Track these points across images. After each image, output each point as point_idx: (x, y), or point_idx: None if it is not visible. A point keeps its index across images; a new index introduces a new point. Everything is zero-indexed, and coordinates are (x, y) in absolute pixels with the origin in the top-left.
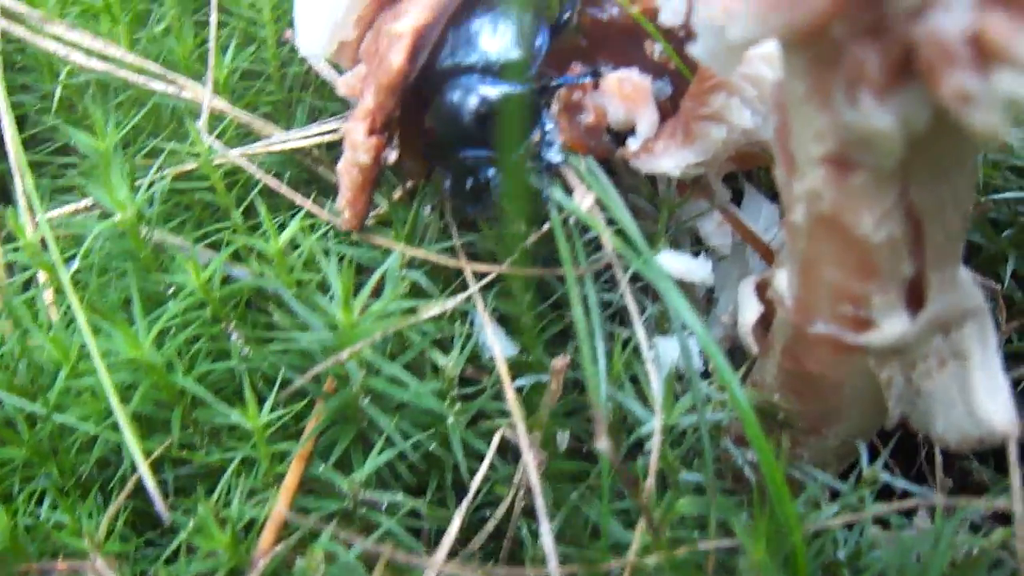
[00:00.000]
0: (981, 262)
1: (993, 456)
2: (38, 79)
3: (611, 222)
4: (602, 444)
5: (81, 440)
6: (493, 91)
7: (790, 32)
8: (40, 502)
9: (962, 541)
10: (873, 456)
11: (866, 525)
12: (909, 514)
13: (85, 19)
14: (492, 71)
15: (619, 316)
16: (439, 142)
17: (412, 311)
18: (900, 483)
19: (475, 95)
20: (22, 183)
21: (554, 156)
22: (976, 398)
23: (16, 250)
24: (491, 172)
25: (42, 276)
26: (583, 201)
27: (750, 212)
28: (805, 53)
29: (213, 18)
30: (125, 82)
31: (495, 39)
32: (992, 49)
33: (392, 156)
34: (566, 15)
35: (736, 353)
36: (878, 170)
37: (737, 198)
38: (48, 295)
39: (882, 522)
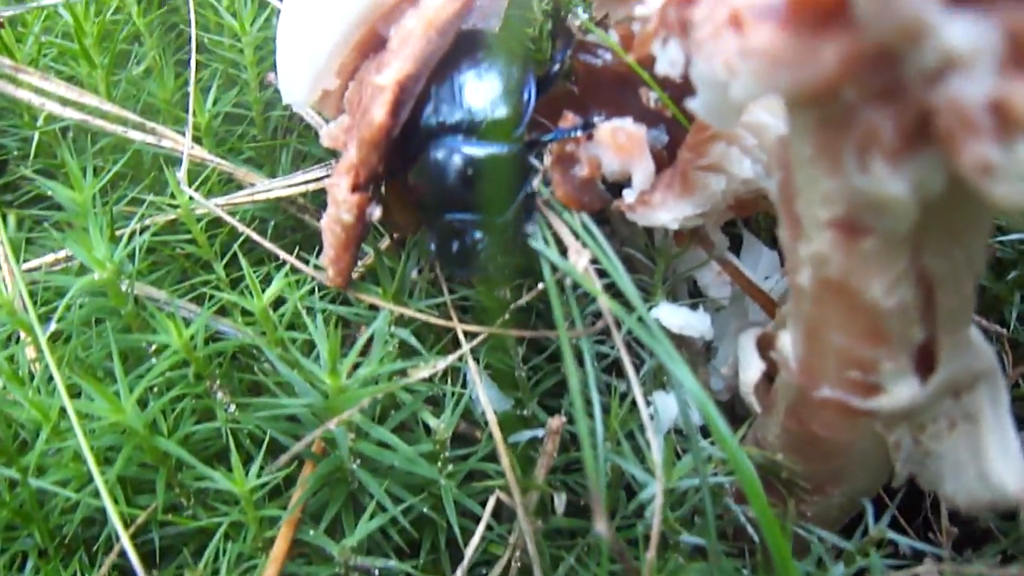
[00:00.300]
0: (985, 304)
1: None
2: (16, 123)
3: (603, 273)
4: (601, 527)
5: (64, 502)
6: (478, 152)
7: (796, 92)
8: (22, 566)
9: None
10: (878, 508)
11: None
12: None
13: (63, 60)
14: (477, 131)
15: (615, 368)
16: (424, 203)
17: (402, 373)
18: (906, 542)
19: (459, 157)
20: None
21: (529, 228)
22: (988, 461)
23: None
24: (478, 235)
25: (22, 334)
26: (578, 260)
27: (748, 259)
28: (812, 113)
29: (193, 62)
30: (89, 128)
31: (480, 94)
32: (1016, 118)
33: (377, 213)
34: (556, 66)
35: (736, 405)
36: (889, 235)
37: (734, 243)
38: (30, 351)
39: None
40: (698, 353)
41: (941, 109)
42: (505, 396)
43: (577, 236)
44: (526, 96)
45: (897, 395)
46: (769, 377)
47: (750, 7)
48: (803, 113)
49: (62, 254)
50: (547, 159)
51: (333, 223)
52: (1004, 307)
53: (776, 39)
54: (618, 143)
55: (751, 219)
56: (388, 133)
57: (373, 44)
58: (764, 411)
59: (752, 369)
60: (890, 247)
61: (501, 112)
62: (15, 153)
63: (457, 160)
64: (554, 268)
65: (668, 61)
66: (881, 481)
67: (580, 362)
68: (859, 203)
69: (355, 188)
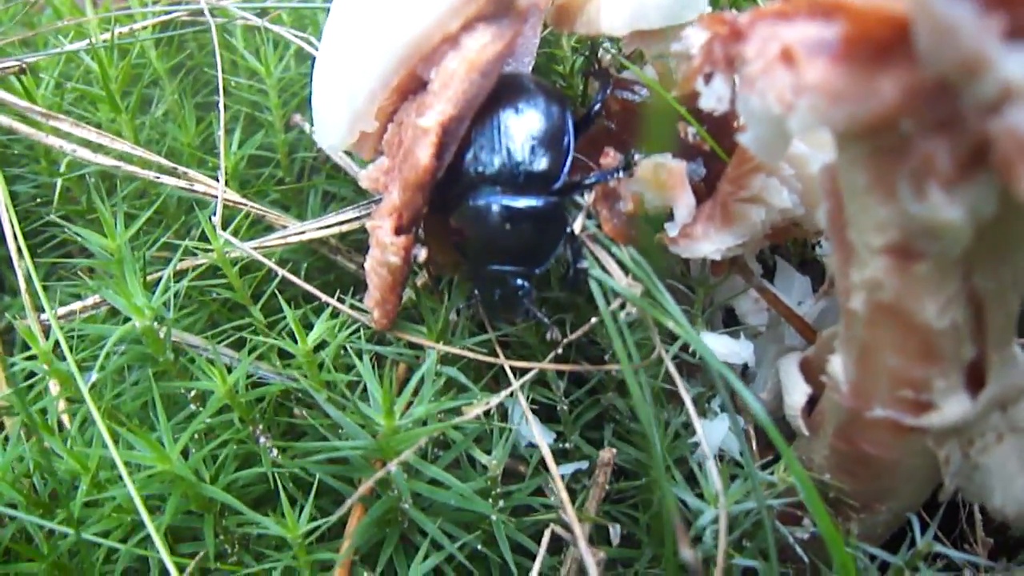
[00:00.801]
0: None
1: None
2: (34, 169)
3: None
4: (687, 553)
5: (105, 554)
6: (517, 204)
7: (854, 125)
8: None
9: None
10: (920, 524)
11: None
12: None
13: (82, 106)
14: (516, 183)
15: (659, 398)
16: (465, 251)
17: (454, 411)
18: (956, 555)
19: (499, 209)
20: (26, 284)
21: (582, 264)
22: None
23: (31, 358)
24: (519, 282)
25: (53, 383)
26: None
27: (782, 286)
28: (866, 144)
29: (221, 106)
30: (123, 174)
31: (519, 144)
32: None
33: (422, 255)
34: (596, 107)
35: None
36: (942, 259)
37: (767, 270)
38: (61, 403)
39: None
40: (737, 379)
41: (999, 138)
42: (548, 430)
43: (627, 270)
44: (565, 143)
45: (949, 411)
46: (811, 400)
47: (802, 42)
48: (856, 144)
49: (90, 301)
50: (590, 195)
51: (378, 265)
52: None
53: (831, 74)
54: (659, 180)
55: (782, 245)
56: (433, 175)
57: (412, 86)
58: (811, 432)
59: (798, 393)
60: (943, 270)
61: (541, 165)
62: (38, 200)
63: (496, 212)
64: (607, 301)
65: (714, 96)
66: (925, 497)
67: (621, 392)
68: (914, 229)
69: (399, 230)
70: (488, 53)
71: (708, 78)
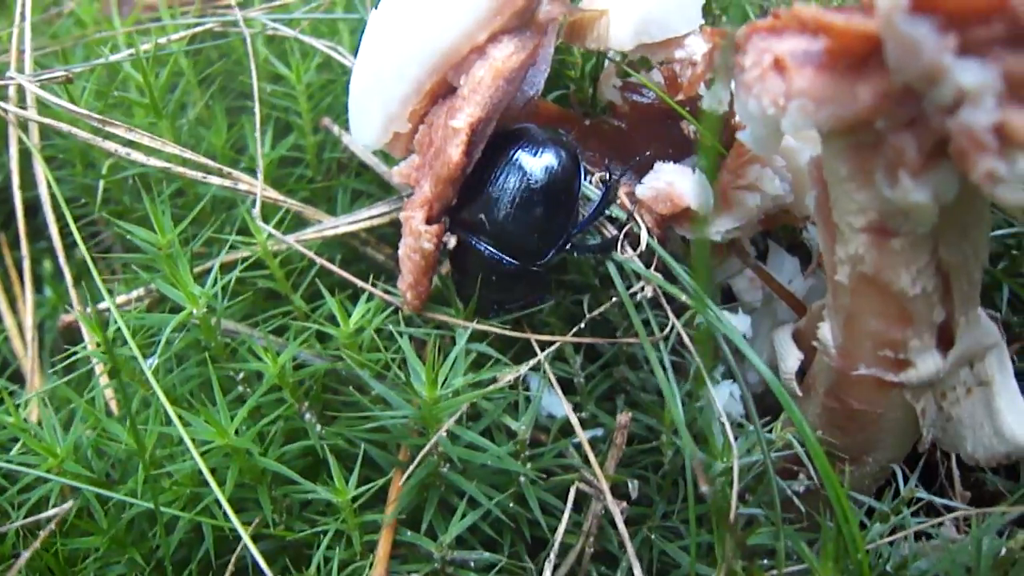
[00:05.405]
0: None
1: (1004, 469)
2: (72, 173)
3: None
4: (705, 487)
5: (162, 527)
6: (504, 265)
7: (836, 124)
8: None
9: (993, 544)
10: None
11: (909, 539)
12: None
13: (117, 113)
14: (506, 249)
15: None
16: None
17: (489, 381)
18: (937, 500)
19: (489, 268)
20: (74, 279)
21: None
22: (1001, 418)
23: (97, 346)
24: (515, 303)
25: (99, 368)
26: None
27: (774, 266)
28: (846, 140)
29: (257, 110)
30: (171, 175)
31: (518, 224)
32: (1014, 138)
33: (452, 241)
34: (593, 213)
35: (767, 398)
36: (913, 235)
37: (760, 254)
38: (109, 391)
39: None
40: (734, 352)
41: (956, 133)
42: (566, 401)
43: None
44: (560, 230)
45: (923, 368)
46: (803, 366)
47: (791, 54)
48: (838, 140)
49: (134, 295)
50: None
51: (412, 252)
52: (995, 294)
53: (817, 81)
54: (660, 210)
55: (774, 231)
56: (462, 171)
57: (442, 91)
58: (803, 394)
59: (791, 358)
60: (914, 245)
61: (531, 246)
62: (83, 202)
63: (487, 269)
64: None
65: (715, 99)
66: (908, 448)
67: (632, 365)
68: (889, 211)
69: (430, 220)
70: (513, 62)
71: (709, 84)
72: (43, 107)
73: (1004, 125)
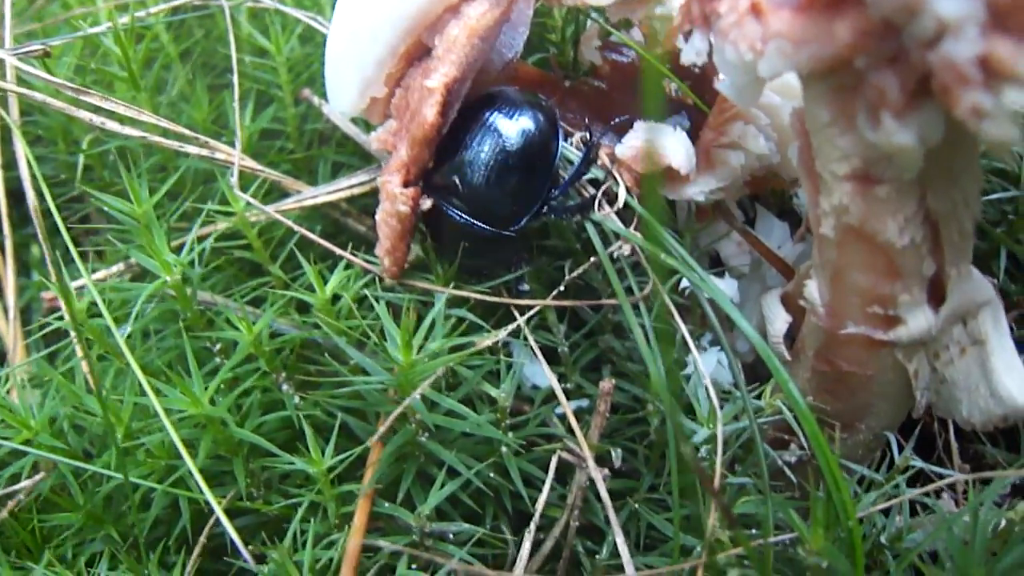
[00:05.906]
0: (976, 259)
1: (1003, 438)
2: (54, 151)
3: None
4: (686, 448)
5: (138, 501)
6: (480, 232)
7: (816, 65)
8: (95, 565)
9: (991, 515)
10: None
11: (904, 509)
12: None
13: (97, 88)
14: (479, 213)
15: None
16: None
17: (468, 345)
18: (933, 468)
19: (463, 233)
20: (49, 251)
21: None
22: (997, 379)
23: (61, 318)
24: (491, 268)
25: (77, 345)
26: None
27: (762, 231)
28: (827, 83)
29: (236, 81)
30: (151, 147)
31: (494, 189)
32: (1000, 69)
33: (427, 203)
34: (573, 175)
35: (757, 366)
36: (899, 182)
37: (749, 221)
38: (84, 364)
39: (912, 506)
40: (723, 319)
41: (938, 68)
42: (550, 370)
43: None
44: (536, 196)
45: (914, 324)
46: (792, 330)
47: None
48: (819, 83)
49: (114, 269)
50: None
51: (388, 216)
52: (992, 261)
53: (794, 22)
54: (640, 168)
55: (762, 196)
56: (438, 132)
57: (418, 53)
58: (792, 358)
59: (779, 321)
60: (900, 192)
61: (504, 211)
62: (62, 177)
63: (460, 237)
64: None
65: (693, 51)
66: (902, 416)
67: (618, 334)
68: (872, 156)
69: (407, 183)
70: (487, 19)
71: (687, 35)
72: (21, 81)
73: (989, 56)
